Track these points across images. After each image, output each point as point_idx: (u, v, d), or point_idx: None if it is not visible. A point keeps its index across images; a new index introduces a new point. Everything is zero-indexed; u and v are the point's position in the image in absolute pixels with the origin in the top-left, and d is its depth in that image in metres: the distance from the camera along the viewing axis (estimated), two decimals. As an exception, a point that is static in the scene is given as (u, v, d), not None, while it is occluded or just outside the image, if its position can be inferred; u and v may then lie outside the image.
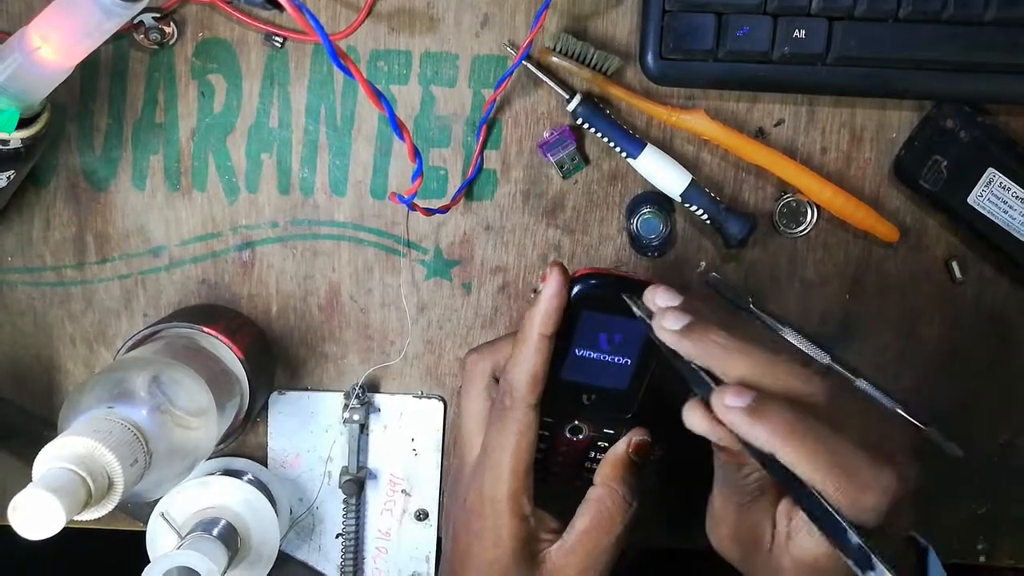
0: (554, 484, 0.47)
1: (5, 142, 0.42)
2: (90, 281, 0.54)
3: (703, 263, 0.54)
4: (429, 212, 0.50)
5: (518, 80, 0.52)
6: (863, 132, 0.52)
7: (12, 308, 0.54)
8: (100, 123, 0.52)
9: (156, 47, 0.51)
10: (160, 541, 0.52)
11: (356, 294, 0.55)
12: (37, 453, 0.37)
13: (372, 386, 0.56)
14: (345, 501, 0.56)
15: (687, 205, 0.51)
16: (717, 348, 0.37)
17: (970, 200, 0.50)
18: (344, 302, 0.55)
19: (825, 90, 0.50)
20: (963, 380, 0.55)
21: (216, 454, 0.55)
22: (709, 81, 0.50)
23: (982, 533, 0.58)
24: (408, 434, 0.56)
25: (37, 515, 0.34)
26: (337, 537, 0.58)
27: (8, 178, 0.45)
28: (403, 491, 0.57)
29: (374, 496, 0.57)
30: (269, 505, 0.53)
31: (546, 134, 0.52)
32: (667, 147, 0.52)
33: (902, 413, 0.53)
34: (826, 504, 0.32)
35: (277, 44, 0.51)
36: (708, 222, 0.52)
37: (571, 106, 0.50)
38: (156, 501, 0.52)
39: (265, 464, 0.56)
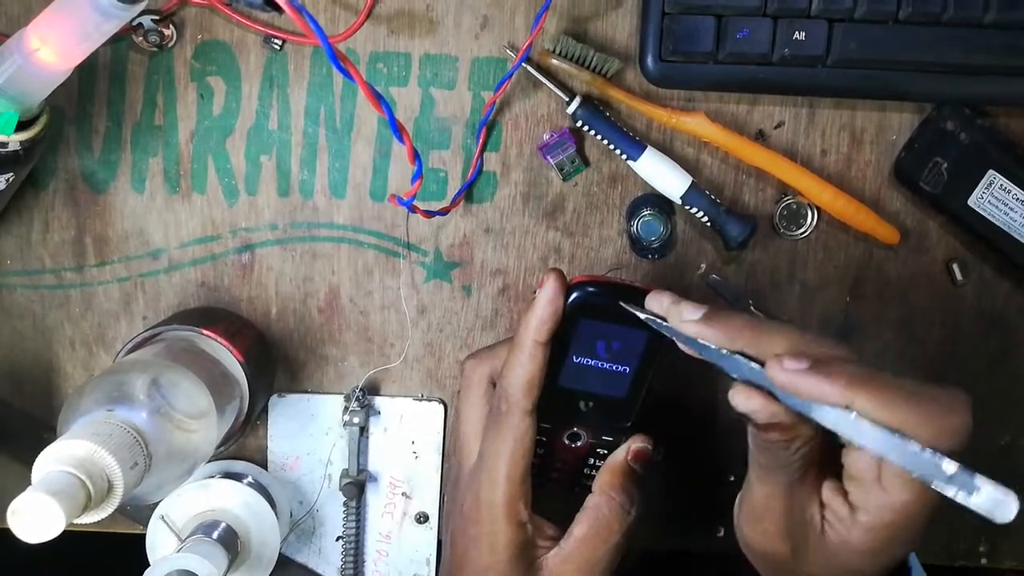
0: (553, 491, 0.47)
1: (4, 144, 0.42)
2: (89, 284, 0.54)
3: (703, 265, 0.54)
4: (429, 214, 0.50)
5: (518, 82, 0.52)
6: (863, 134, 0.52)
7: (11, 311, 0.54)
8: (99, 125, 0.52)
9: (155, 49, 0.51)
10: (160, 544, 0.52)
11: (356, 296, 0.54)
12: (36, 456, 0.37)
13: (372, 389, 0.56)
14: (345, 504, 0.56)
15: (687, 207, 0.51)
16: (746, 329, 0.36)
17: (970, 202, 0.50)
18: (344, 304, 0.55)
19: (825, 92, 0.50)
20: (964, 382, 0.55)
21: (216, 457, 0.55)
22: (709, 83, 0.50)
23: (984, 535, 0.58)
24: (408, 437, 0.56)
25: (36, 518, 0.34)
26: (337, 540, 0.57)
27: (7, 181, 0.45)
28: (403, 494, 0.57)
29: (374, 499, 0.57)
30: (269, 508, 0.53)
31: (546, 136, 0.52)
32: (667, 149, 0.51)
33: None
34: (915, 443, 0.31)
35: (276, 46, 0.51)
36: (708, 224, 0.52)
37: (571, 108, 0.50)
38: (156, 504, 0.52)
39: (265, 467, 0.56)
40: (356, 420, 0.55)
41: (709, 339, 0.37)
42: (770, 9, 0.47)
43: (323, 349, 0.55)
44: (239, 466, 0.56)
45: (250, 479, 0.55)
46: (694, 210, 0.51)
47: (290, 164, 0.53)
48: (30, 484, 0.35)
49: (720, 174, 0.53)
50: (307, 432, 0.56)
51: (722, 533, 0.57)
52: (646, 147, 0.50)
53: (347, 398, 0.55)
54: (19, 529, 0.35)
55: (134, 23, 0.50)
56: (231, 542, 0.51)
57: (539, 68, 0.50)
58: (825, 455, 0.38)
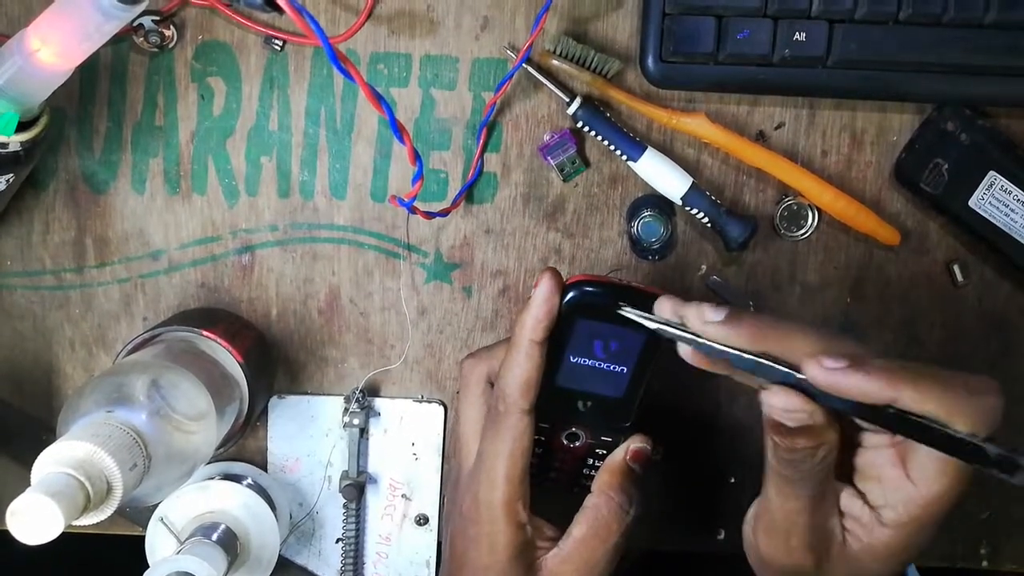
0: (552, 490, 0.47)
1: (4, 145, 0.42)
2: (89, 285, 0.54)
3: (704, 266, 0.54)
4: (429, 215, 0.50)
5: (518, 83, 0.52)
6: (864, 135, 0.52)
7: (11, 312, 0.54)
8: (99, 126, 0.52)
9: (156, 50, 0.51)
10: (159, 546, 0.52)
11: (356, 298, 0.54)
12: (36, 457, 0.36)
13: (372, 390, 0.56)
14: (345, 506, 0.56)
15: (688, 208, 0.51)
16: (771, 331, 0.35)
17: (971, 203, 0.50)
18: (344, 306, 0.55)
19: (826, 93, 0.50)
20: (965, 383, 0.55)
21: (215, 458, 0.55)
22: (709, 84, 0.50)
23: (985, 537, 0.57)
24: (408, 438, 0.56)
25: (35, 520, 0.34)
26: (337, 542, 0.57)
27: (7, 181, 0.45)
28: (403, 496, 0.57)
29: (374, 501, 0.57)
30: (269, 510, 0.53)
31: (546, 137, 0.52)
32: (668, 150, 0.51)
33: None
34: (959, 432, 0.32)
35: (277, 47, 0.51)
36: (709, 225, 0.52)
37: (571, 109, 0.50)
38: (155, 505, 0.52)
39: (265, 468, 0.56)
40: (356, 422, 0.54)
41: (734, 342, 0.36)
42: (771, 10, 0.47)
43: (323, 350, 0.55)
44: (239, 468, 0.56)
45: (250, 481, 0.55)
46: (694, 211, 0.51)
47: (290, 165, 0.53)
48: (29, 485, 0.35)
49: (720, 175, 0.53)
50: (307, 434, 0.56)
51: (722, 535, 0.57)
52: (646, 148, 0.50)
53: (347, 399, 0.55)
54: (18, 530, 0.35)
55: (135, 24, 0.50)
56: (230, 544, 0.51)
57: (540, 69, 0.50)
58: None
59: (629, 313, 0.40)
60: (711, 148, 0.52)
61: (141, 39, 0.50)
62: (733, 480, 0.56)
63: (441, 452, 0.56)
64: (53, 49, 0.39)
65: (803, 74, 0.49)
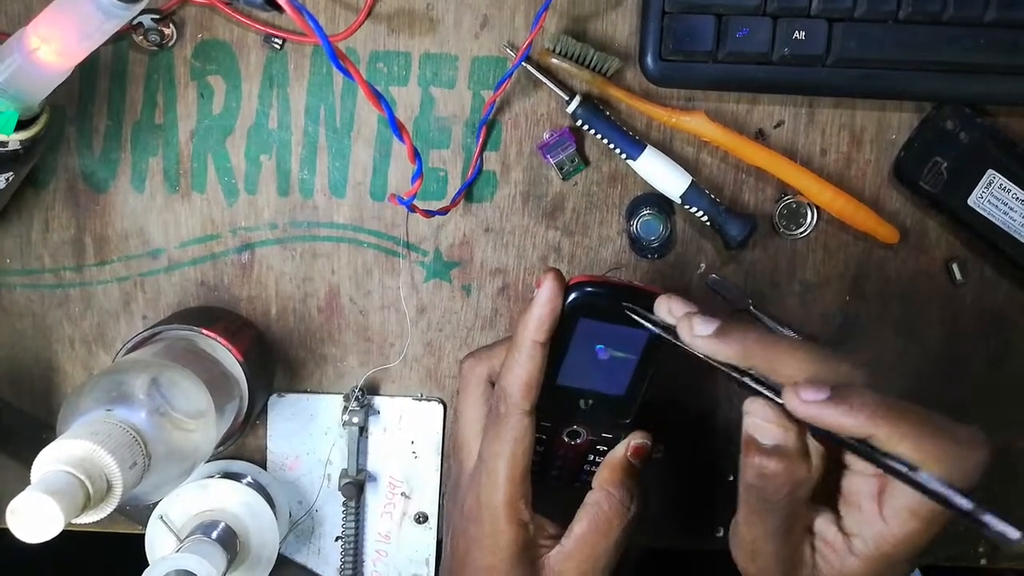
0: (552, 487, 0.47)
1: (4, 144, 0.42)
2: (89, 283, 0.54)
3: (703, 265, 0.54)
4: (429, 214, 0.50)
5: (517, 82, 0.52)
6: (863, 133, 0.52)
7: (11, 310, 0.54)
8: (99, 125, 0.52)
9: (155, 48, 0.51)
10: (159, 544, 0.52)
11: (355, 296, 0.54)
12: (35, 456, 0.36)
13: (371, 388, 0.56)
14: (344, 504, 0.56)
15: (687, 207, 0.51)
16: (759, 347, 0.35)
17: (970, 202, 0.50)
18: (343, 304, 0.55)
19: (825, 91, 0.50)
20: (963, 382, 0.55)
21: (215, 457, 0.55)
22: (709, 82, 0.50)
23: (983, 536, 0.57)
24: (408, 437, 0.56)
25: (35, 518, 0.34)
26: (336, 540, 0.57)
27: (7, 180, 0.45)
28: (403, 494, 0.57)
29: (373, 499, 0.57)
30: (268, 508, 0.53)
31: (546, 136, 0.52)
32: (667, 149, 0.51)
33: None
34: (930, 477, 0.32)
35: (276, 46, 0.51)
36: (708, 224, 0.52)
37: (571, 108, 0.50)
38: (155, 504, 0.52)
39: (264, 467, 0.56)
40: (355, 420, 0.55)
41: (721, 356, 0.36)
42: (770, 8, 0.47)
43: (322, 349, 0.55)
44: (238, 466, 0.56)
45: (249, 479, 0.55)
46: (694, 209, 0.51)
47: (290, 163, 0.53)
48: (29, 484, 0.35)
49: (720, 173, 0.53)
50: (306, 432, 0.56)
51: (721, 533, 0.57)
52: (646, 146, 0.50)
53: (346, 398, 0.55)
54: (18, 529, 0.35)
55: (134, 22, 0.50)
56: (230, 542, 0.51)
57: (539, 67, 0.50)
58: (816, 487, 0.38)
59: (633, 314, 0.40)
60: (710, 147, 0.52)
61: (141, 38, 0.50)
62: (732, 478, 0.56)
63: (440, 450, 0.56)
64: (53, 47, 0.39)
65: (802, 73, 0.49)
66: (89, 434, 0.37)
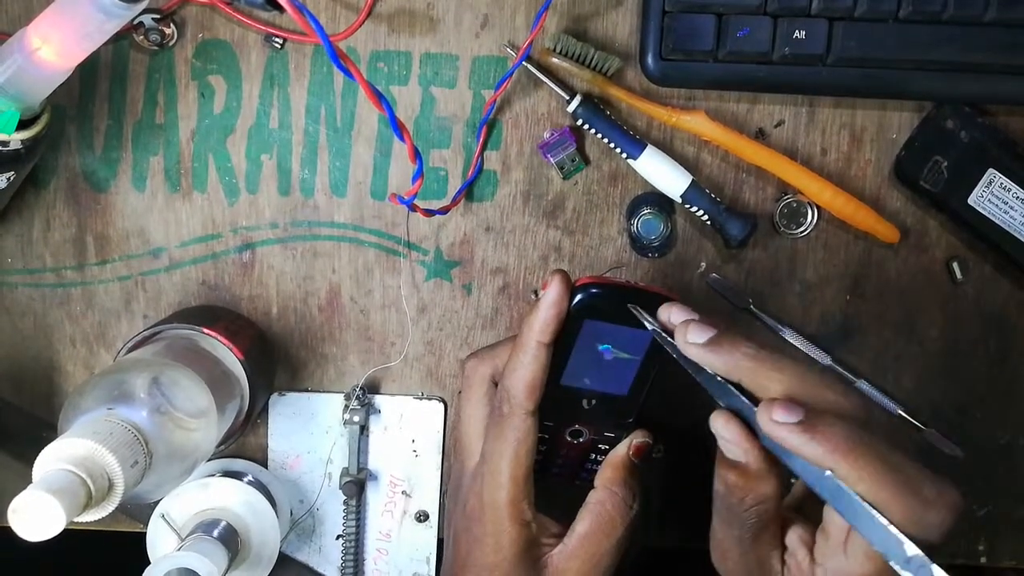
0: (554, 485, 0.47)
1: (5, 143, 0.42)
2: (90, 282, 0.54)
3: (703, 264, 0.54)
4: (429, 213, 0.50)
5: (518, 81, 0.52)
6: (863, 133, 0.52)
7: (12, 309, 0.54)
8: (100, 124, 0.52)
9: (156, 48, 0.51)
10: (160, 542, 0.52)
11: (356, 295, 0.54)
12: (37, 455, 0.37)
13: (372, 387, 0.56)
14: (345, 502, 0.56)
15: (687, 206, 0.51)
16: (748, 361, 0.36)
17: (971, 201, 0.50)
18: (344, 303, 0.55)
19: (825, 91, 0.50)
20: (963, 381, 0.55)
21: (216, 455, 0.55)
22: (709, 82, 0.50)
23: (983, 534, 0.57)
24: (408, 435, 0.56)
25: (37, 517, 0.34)
26: (337, 538, 0.58)
27: (8, 179, 0.45)
28: (403, 492, 0.57)
29: (374, 497, 0.57)
30: (269, 506, 0.53)
31: (546, 135, 0.52)
32: (667, 148, 0.51)
33: (903, 414, 0.53)
34: (886, 522, 0.31)
35: (277, 45, 0.51)
36: (708, 223, 0.52)
37: (571, 107, 0.50)
38: (156, 502, 0.52)
39: (265, 465, 0.56)
40: (356, 419, 0.55)
41: (710, 366, 0.37)
42: (770, 8, 0.47)
43: (323, 348, 0.55)
44: (239, 464, 0.56)
45: (250, 477, 0.55)
46: (694, 208, 0.51)
47: (291, 163, 0.53)
48: (31, 483, 0.35)
49: (720, 173, 0.53)
50: (307, 431, 0.56)
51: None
52: (646, 146, 0.50)
53: (347, 397, 0.55)
54: (20, 528, 0.35)
55: (135, 22, 0.50)
56: (231, 540, 0.51)
57: (539, 67, 0.50)
58: (793, 508, 0.39)
59: (637, 313, 0.41)
60: (711, 146, 0.52)
61: (141, 37, 0.50)
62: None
63: (441, 449, 0.56)
64: (54, 47, 0.40)
65: (803, 72, 0.49)
66: (91, 433, 0.37)
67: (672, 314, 0.39)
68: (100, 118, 0.52)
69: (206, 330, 0.48)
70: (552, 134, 0.52)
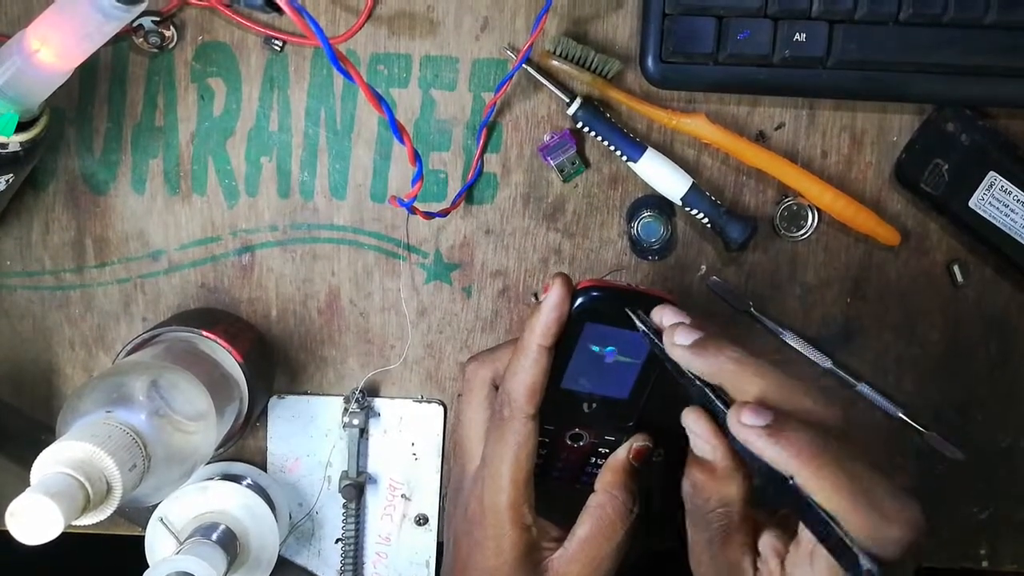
0: (554, 488, 0.47)
1: (4, 145, 0.42)
2: (89, 285, 0.54)
3: (704, 267, 0.54)
4: (429, 216, 0.50)
5: (518, 84, 0.52)
6: (864, 136, 0.52)
7: (11, 312, 0.54)
8: (99, 126, 0.52)
9: (156, 50, 0.51)
10: (159, 546, 0.52)
11: (356, 298, 0.54)
12: (35, 458, 0.36)
13: (372, 390, 0.56)
14: (345, 506, 0.56)
15: (688, 209, 0.51)
16: (731, 364, 0.36)
17: (971, 203, 0.50)
18: (344, 306, 0.54)
19: (826, 93, 0.50)
20: (964, 384, 0.55)
21: (215, 458, 0.55)
22: (709, 84, 0.50)
23: (984, 538, 0.57)
24: (408, 438, 0.56)
25: (35, 520, 0.34)
26: (337, 542, 0.57)
27: (7, 182, 0.45)
28: (403, 496, 0.57)
29: (374, 501, 0.57)
30: (268, 510, 0.53)
31: (546, 138, 0.52)
32: (668, 151, 0.51)
33: (903, 417, 0.53)
34: (841, 532, 0.31)
35: (277, 48, 0.51)
36: (709, 226, 0.52)
37: (571, 110, 0.50)
38: (155, 506, 0.52)
39: (264, 469, 0.56)
40: (356, 422, 0.54)
41: (693, 368, 0.37)
42: (771, 10, 0.47)
43: (323, 351, 0.55)
44: (238, 468, 0.56)
45: (249, 481, 0.55)
46: (694, 211, 0.51)
47: (290, 165, 0.53)
48: (29, 486, 0.35)
49: (720, 175, 0.53)
50: (307, 434, 0.56)
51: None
52: (646, 148, 0.50)
53: (347, 400, 0.55)
54: (18, 531, 0.35)
55: (134, 24, 0.50)
56: (230, 544, 0.51)
57: (539, 69, 0.50)
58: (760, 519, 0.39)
59: (631, 314, 0.41)
60: (711, 149, 0.52)
61: (141, 40, 0.50)
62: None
63: (441, 452, 0.56)
64: (53, 49, 0.39)
65: (803, 75, 0.49)
66: (89, 436, 0.37)
67: (664, 316, 0.40)
68: (99, 120, 0.52)
69: (205, 333, 0.48)
70: (552, 137, 0.52)
